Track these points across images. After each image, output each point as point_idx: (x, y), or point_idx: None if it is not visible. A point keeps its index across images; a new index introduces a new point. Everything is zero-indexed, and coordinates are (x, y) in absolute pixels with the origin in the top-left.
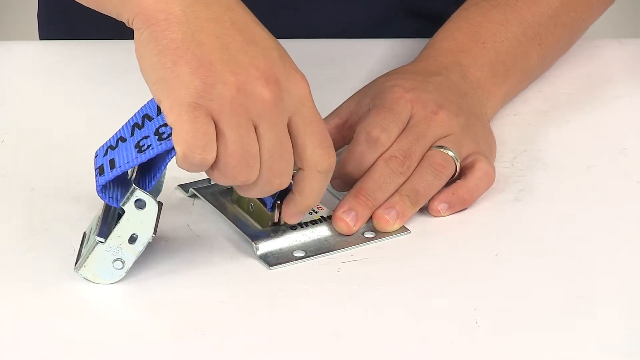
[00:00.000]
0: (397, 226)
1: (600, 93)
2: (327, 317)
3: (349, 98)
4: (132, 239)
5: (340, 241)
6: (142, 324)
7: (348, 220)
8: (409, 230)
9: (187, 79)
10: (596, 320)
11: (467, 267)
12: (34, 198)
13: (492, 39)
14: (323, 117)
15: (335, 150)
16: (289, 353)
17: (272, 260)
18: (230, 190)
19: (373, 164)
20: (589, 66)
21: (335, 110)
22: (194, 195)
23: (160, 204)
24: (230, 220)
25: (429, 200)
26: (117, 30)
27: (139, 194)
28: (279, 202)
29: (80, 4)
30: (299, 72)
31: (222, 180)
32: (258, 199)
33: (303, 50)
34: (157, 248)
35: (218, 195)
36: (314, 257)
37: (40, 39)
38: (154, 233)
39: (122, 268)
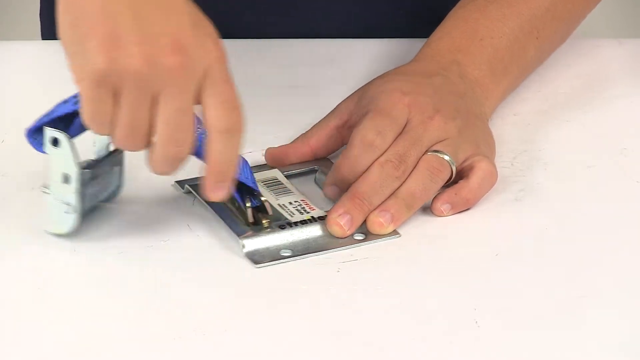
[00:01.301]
0: (390, 229)
1: (600, 93)
2: (327, 317)
3: (348, 98)
4: (66, 179)
5: (329, 242)
6: (142, 323)
7: (343, 223)
8: (399, 233)
9: (93, 54)
10: (596, 320)
11: (467, 267)
12: (34, 198)
13: (490, 35)
14: (323, 117)
15: (334, 151)
16: (289, 353)
17: (257, 258)
18: None
19: (369, 168)
20: (588, 66)
21: (333, 110)
22: (189, 192)
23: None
24: (220, 218)
25: (432, 201)
26: None
27: (50, 132)
28: (248, 203)
29: None
30: (212, 37)
31: (120, 147)
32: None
33: (303, 50)
34: (157, 248)
35: None
36: (301, 257)
37: (43, 39)
38: (83, 169)
39: (72, 212)
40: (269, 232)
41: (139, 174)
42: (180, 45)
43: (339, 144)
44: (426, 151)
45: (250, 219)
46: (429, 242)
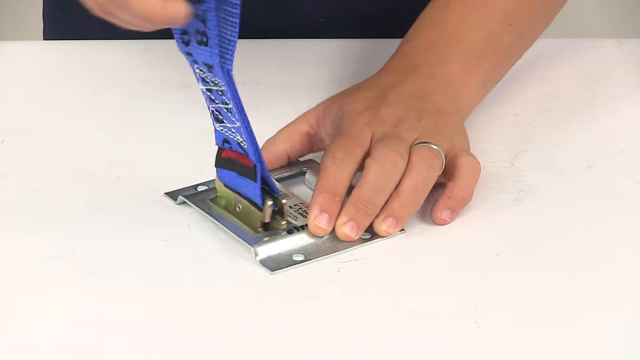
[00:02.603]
0: (397, 231)
1: (600, 93)
2: (327, 317)
3: (316, 106)
4: None
5: (338, 244)
6: (142, 323)
7: (348, 232)
8: (403, 230)
9: None
10: (596, 320)
11: (467, 267)
12: (34, 198)
13: (458, 28)
14: (290, 122)
15: (304, 155)
16: (289, 353)
17: (272, 265)
18: (217, 196)
19: (366, 169)
20: (589, 66)
21: (303, 116)
22: (183, 203)
23: None
24: (225, 227)
25: (432, 213)
26: (121, 30)
27: None
28: (270, 202)
29: (82, 4)
30: None
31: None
32: (249, 200)
33: (303, 50)
34: (156, 248)
35: (208, 202)
36: (315, 260)
37: (45, 39)
38: None
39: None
40: (278, 238)
41: (139, 174)
42: None
43: (309, 149)
44: (411, 145)
45: (268, 219)
46: (429, 243)
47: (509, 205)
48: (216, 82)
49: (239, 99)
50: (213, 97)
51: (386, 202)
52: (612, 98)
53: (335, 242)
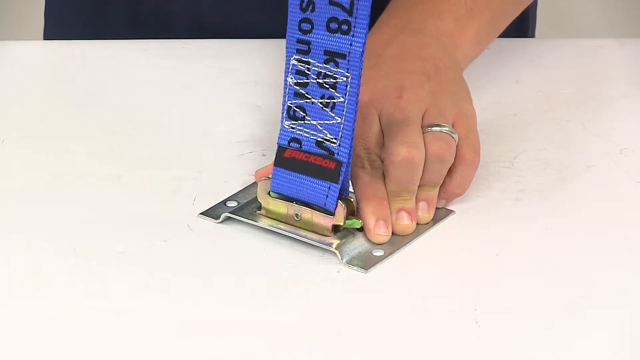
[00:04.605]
0: (414, 226)
1: (600, 93)
2: (327, 317)
3: None
4: None
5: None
6: (142, 323)
7: (382, 233)
8: (453, 210)
9: None
10: (596, 320)
11: (467, 267)
12: (34, 198)
13: None
14: None
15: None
16: (289, 353)
17: (361, 264)
18: (259, 206)
19: (387, 174)
20: (589, 66)
21: None
22: (227, 219)
23: None
24: (293, 235)
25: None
26: (122, 30)
27: None
28: (342, 204)
29: (82, 3)
30: None
31: None
32: (310, 205)
33: None
34: (156, 248)
35: (255, 215)
36: (396, 252)
37: (45, 39)
38: None
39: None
40: (353, 238)
41: (139, 173)
42: None
43: None
44: (422, 128)
45: (342, 222)
46: (428, 242)
47: (509, 205)
48: (332, 74)
49: (359, 91)
50: (304, 92)
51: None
52: (612, 98)
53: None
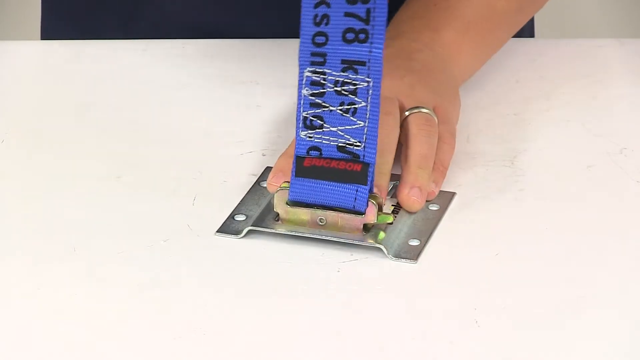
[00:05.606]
0: (423, 202)
1: (600, 93)
2: (327, 317)
3: None
4: None
5: (425, 219)
6: (142, 323)
7: (416, 198)
8: (455, 192)
9: None
10: (596, 320)
11: (467, 267)
12: (34, 198)
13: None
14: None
15: None
16: (289, 353)
17: (405, 255)
18: (275, 216)
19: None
20: (589, 66)
21: None
22: (251, 232)
23: None
24: (326, 237)
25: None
26: (121, 30)
27: None
28: (373, 202)
29: (83, 4)
30: None
31: None
32: (334, 208)
33: None
34: (156, 248)
35: (275, 224)
36: (429, 240)
37: (42, 39)
38: None
39: None
40: (388, 231)
41: (139, 173)
42: None
43: None
44: (402, 113)
45: (375, 219)
46: (428, 242)
47: (509, 205)
48: (350, 80)
49: (380, 94)
50: (321, 101)
51: (402, 175)
52: (612, 98)
53: (423, 221)
